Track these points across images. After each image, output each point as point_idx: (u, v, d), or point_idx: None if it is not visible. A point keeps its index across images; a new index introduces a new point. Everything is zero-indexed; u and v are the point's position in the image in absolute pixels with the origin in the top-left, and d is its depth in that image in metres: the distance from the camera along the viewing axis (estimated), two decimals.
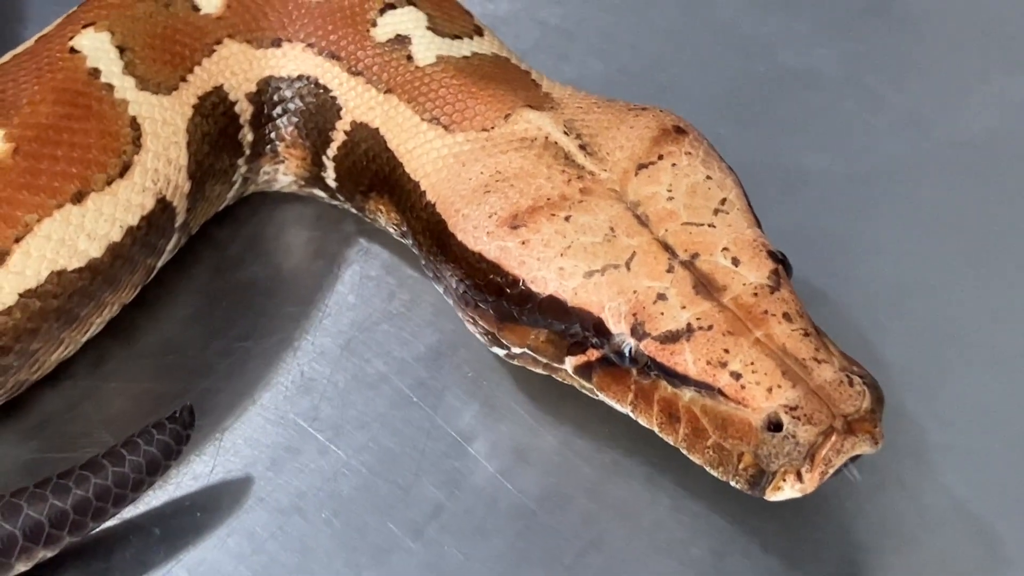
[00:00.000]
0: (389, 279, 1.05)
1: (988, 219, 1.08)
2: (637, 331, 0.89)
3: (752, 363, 0.87)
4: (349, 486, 0.95)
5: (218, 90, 1.00)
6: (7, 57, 0.99)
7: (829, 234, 1.07)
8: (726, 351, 0.88)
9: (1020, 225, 1.08)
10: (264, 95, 1.02)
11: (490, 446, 0.97)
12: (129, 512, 0.93)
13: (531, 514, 0.94)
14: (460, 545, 0.93)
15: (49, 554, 0.89)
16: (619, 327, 0.89)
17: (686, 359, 0.88)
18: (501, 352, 0.96)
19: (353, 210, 1.04)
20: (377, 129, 1.00)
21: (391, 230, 1.03)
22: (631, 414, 0.91)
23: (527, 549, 0.93)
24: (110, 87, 0.96)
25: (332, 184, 1.03)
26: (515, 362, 0.96)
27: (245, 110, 1.01)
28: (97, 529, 0.90)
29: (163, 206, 0.97)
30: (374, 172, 1.01)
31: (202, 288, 1.05)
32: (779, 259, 0.92)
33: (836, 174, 1.11)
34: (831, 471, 0.85)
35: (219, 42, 1.01)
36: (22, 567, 0.88)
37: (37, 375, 0.96)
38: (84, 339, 0.98)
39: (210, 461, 0.96)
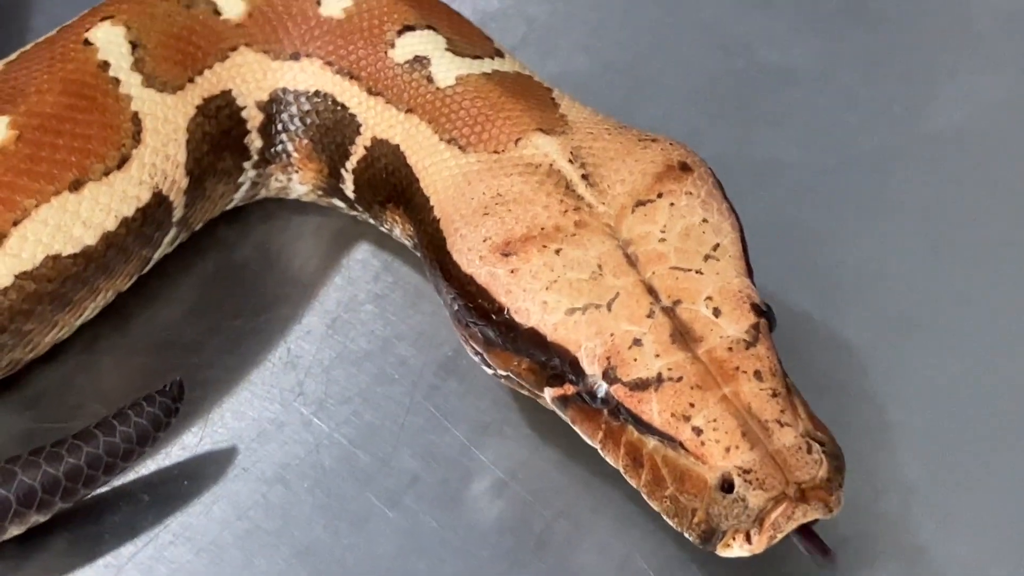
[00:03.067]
0: (374, 261, 1.08)
1: (950, 210, 1.11)
2: (609, 375, 0.90)
3: (715, 420, 0.87)
4: (331, 457, 0.98)
5: (226, 94, 1.02)
6: (30, 45, 1.02)
7: (799, 223, 1.10)
8: (691, 405, 0.88)
9: (980, 216, 1.11)
10: (276, 105, 1.04)
11: (466, 421, 1.00)
12: (119, 480, 0.96)
13: (503, 484, 0.97)
14: (435, 513, 0.96)
15: (41, 518, 0.92)
16: (592, 368, 0.90)
17: (652, 408, 0.89)
18: (489, 371, 0.98)
19: (371, 220, 1.06)
20: (397, 146, 1.02)
21: (406, 241, 1.04)
22: (600, 451, 0.92)
23: (499, 517, 0.96)
24: (116, 81, 0.99)
25: (351, 195, 1.05)
26: (502, 382, 0.97)
27: (254, 117, 1.03)
28: (88, 496, 0.94)
29: (159, 200, 1.00)
30: (392, 185, 1.03)
31: (201, 280, 1.07)
32: (762, 312, 0.92)
33: (808, 166, 1.13)
34: (780, 535, 0.86)
35: (235, 48, 1.03)
36: (15, 530, 0.92)
37: (32, 355, 0.99)
38: (78, 322, 1.01)
39: (198, 433, 0.99)
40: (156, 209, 1.00)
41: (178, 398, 0.95)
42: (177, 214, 1.01)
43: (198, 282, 1.07)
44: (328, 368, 1.02)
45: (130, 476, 0.96)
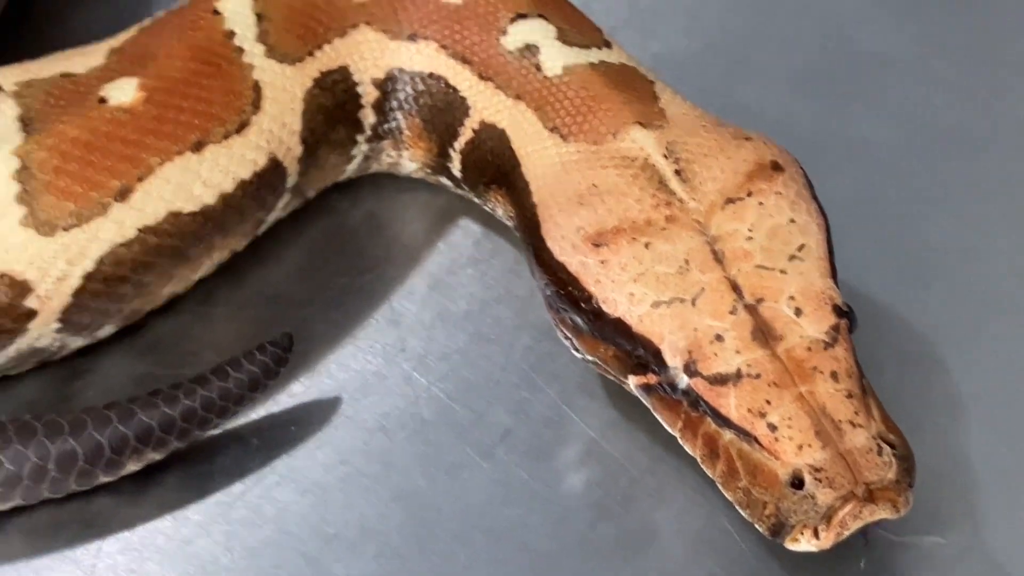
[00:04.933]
0: (476, 230, 1.12)
1: None
2: (690, 368, 0.92)
3: (790, 418, 0.90)
4: (429, 410, 1.04)
5: (343, 69, 1.06)
6: (164, 12, 1.08)
7: (887, 201, 1.13)
8: (768, 402, 0.90)
9: None
10: (391, 84, 1.08)
11: (559, 381, 1.05)
12: (230, 423, 1.02)
13: (592, 442, 1.02)
14: (525, 466, 1.01)
15: (157, 456, 0.98)
16: (674, 361, 0.92)
17: (730, 403, 0.91)
18: (577, 355, 1.00)
19: (475, 198, 1.09)
20: (504, 131, 1.04)
21: (507, 221, 1.07)
22: (679, 439, 0.95)
23: (587, 473, 1.01)
24: (240, 50, 1.04)
25: (457, 174, 1.08)
26: (591, 365, 1.00)
27: (369, 93, 1.07)
28: (202, 437, 1.00)
29: (274, 165, 1.04)
30: (496, 168, 1.05)
31: (311, 243, 1.12)
32: (843, 313, 0.93)
33: (898, 147, 1.16)
34: (846, 533, 0.88)
35: (355, 26, 1.07)
36: (133, 466, 0.98)
37: (150, 306, 1.05)
38: (195, 277, 1.06)
39: (305, 382, 1.04)
40: (271, 174, 1.04)
41: (287, 349, 1.01)
42: (291, 180, 1.06)
43: (308, 244, 1.12)
44: (429, 327, 1.07)
45: (240, 420, 1.02)
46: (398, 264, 1.11)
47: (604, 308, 0.94)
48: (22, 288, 0.97)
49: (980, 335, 1.06)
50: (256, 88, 1.03)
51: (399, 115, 1.09)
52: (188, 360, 1.06)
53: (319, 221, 1.12)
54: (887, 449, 0.88)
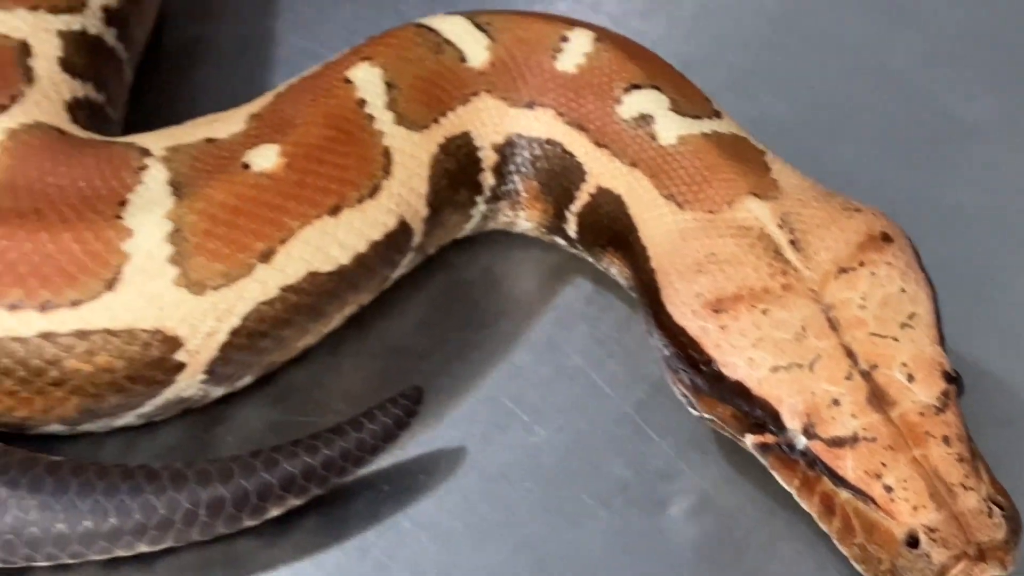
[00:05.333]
0: (588, 287, 1.16)
1: None
2: (808, 431, 0.95)
3: (905, 480, 0.93)
4: (548, 460, 1.08)
5: (465, 135, 1.11)
6: (296, 78, 1.13)
7: (981, 267, 1.16)
8: (883, 464, 0.93)
9: None
10: (510, 148, 1.12)
11: (672, 435, 1.09)
12: (363, 471, 1.06)
13: (705, 495, 1.06)
14: (641, 517, 1.06)
15: (298, 502, 1.04)
16: (793, 423, 0.96)
17: (847, 465, 0.94)
18: (694, 413, 1.04)
19: (589, 258, 1.13)
20: (620, 196, 1.08)
21: (621, 281, 1.11)
22: (795, 496, 0.99)
23: (700, 525, 1.05)
24: (371, 118, 1.08)
25: (573, 235, 1.12)
26: (706, 422, 1.04)
27: (489, 157, 1.12)
28: (338, 484, 1.04)
29: (403, 227, 1.09)
30: (613, 231, 1.09)
31: (431, 296, 1.16)
32: (952, 379, 0.96)
33: (989, 213, 1.19)
34: None
35: (476, 94, 1.11)
36: (275, 511, 1.03)
37: (286, 357, 1.10)
38: (326, 330, 1.11)
39: (431, 432, 1.09)
40: (400, 235, 1.09)
41: (417, 401, 1.06)
42: (416, 240, 1.11)
43: (428, 298, 1.16)
44: (546, 380, 1.12)
45: (372, 468, 1.06)
46: (514, 319, 1.15)
47: (724, 371, 0.98)
48: (173, 343, 1.03)
49: None
50: (386, 154, 1.08)
51: (517, 178, 1.13)
52: (319, 408, 1.11)
53: (438, 275, 1.17)
54: (996, 510, 0.92)
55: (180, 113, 1.22)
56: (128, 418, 1.07)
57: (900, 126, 1.25)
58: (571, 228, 1.12)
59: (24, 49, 1.11)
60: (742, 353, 0.97)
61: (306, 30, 1.31)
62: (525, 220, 1.15)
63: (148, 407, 1.06)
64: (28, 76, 1.10)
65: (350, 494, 1.07)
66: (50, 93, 1.11)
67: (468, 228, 1.16)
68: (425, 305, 1.16)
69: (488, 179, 1.13)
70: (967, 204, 1.20)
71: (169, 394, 1.06)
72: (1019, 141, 1.24)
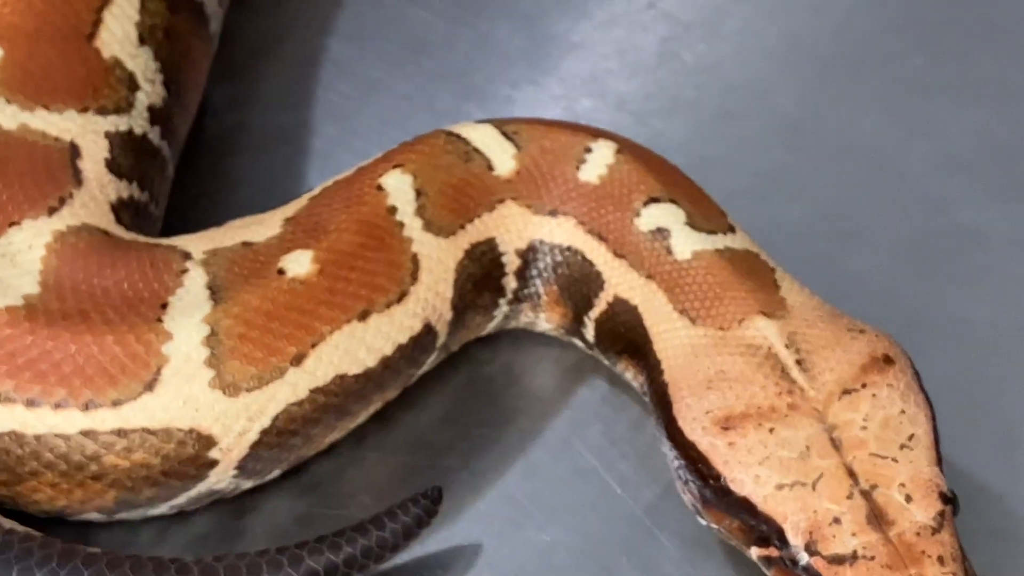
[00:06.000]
0: (603, 387, 1.19)
1: None
2: (810, 547, 0.98)
3: None
4: (560, 561, 1.11)
5: (490, 241, 1.14)
6: (331, 181, 1.16)
7: (984, 379, 1.18)
8: None
9: None
10: (532, 254, 1.15)
11: (680, 536, 1.11)
12: (383, 566, 1.08)
13: None
14: None
15: None
16: (796, 539, 0.98)
17: None
18: (702, 522, 1.06)
19: (605, 362, 1.16)
20: (636, 307, 1.11)
21: (635, 385, 1.13)
22: None
23: None
24: (401, 225, 1.11)
25: (590, 339, 1.15)
26: (714, 531, 1.06)
27: (512, 262, 1.15)
28: None
29: (428, 330, 1.12)
30: (628, 340, 1.12)
31: (454, 391, 1.19)
32: (948, 499, 0.99)
33: (995, 326, 1.21)
34: None
35: (502, 201, 1.14)
36: None
37: (312, 452, 1.13)
38: (352, 426, 1.14)
39: (450, 528, 1.12)
40: (425, 337, 1.13)
41: (437, 501, 1.09)
42: (440, 340, 1.14)
43: (451, 392, 1.19)
44: (561, 479, 1.14)
45: (390, 564, 1.09)
46: (531, 416, 1.18)
47: (732, 487, 1.01)
48: (207, 441, 1.07)
49: None
50: (415, 260, 1.12)
51: (538, 282, 1.16)
52: (344, 500, 1.14)
53: (461, 369, 1.20)
54: None
55: (219, 203, 1.28)
56: (162, 508, 1.11)
57: (913, 235, 1.26)
58: (589, 333, 1.16)
59: (74, 151, 1.15)
60: (749, 470, 1.00)
61: (340, 121, 1.34)
62: (545, 322, 1.18)
63: (181, 499, 1.10)
64: (77, 178, 1.14)
65: None
66: (97, 195, 1.14)
67: (490, 328, 1.19)
68: (447, 399, 1.19)
69: (511, 283, 1.16)
70: (975, 315, 1.22)
71: (202, 488, 1.10)
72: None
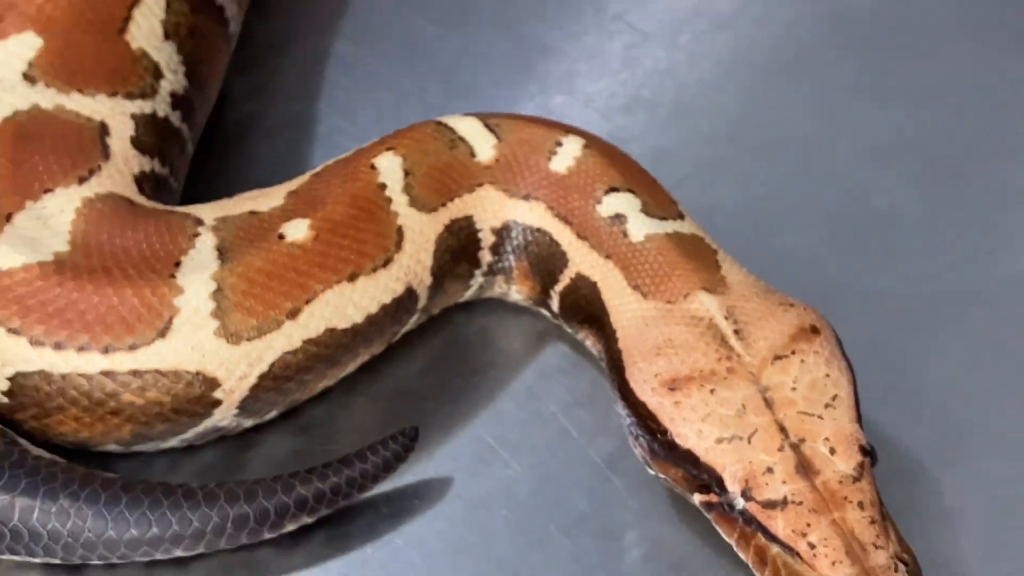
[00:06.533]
0: (565, 348, 1.14)
1: (1018, 345, 1.15)
2: (746, 494, 0.95)
3: (825, 539, 0.92)
4: (522, 492, 1.07)
5: (468, 218, 1.10)
6: (332, 161, 1.12)
7: (894, 343, 1.14)
8: (808, 525, 0.93)
9: None
10: (506, 232, 1.11)
11: (627, 477, 1.07)
12: (365, 495, 1.05)
13: (652, 528, 1.05)
14: (598, 545, 1.04)
15: (309, 520, 1.04)
16: (733, 487, 0.95)
17: (778, 524, 0.94)
18: (651, 472, 1.03)
19: (568, 330, 1.12)
20: (595, 283, 1.07)
21: (594, 352, 1.10)
22: (734, 547, 0.98)
23: (647, 550, 1.04)
24: (389, 200, 1.08)
25: (555, 309, 1.11)
26: (661, 480, 1.03)
27: (487, 238, 1.11)
28: (344, 505, 1.04)
29: (409, 293, 1.08)
30: (588, 312, 1.08)
31: (433, 348, 1.15)
32: (867, 452, 0.96)
33: (907, 297, 1.17)
34: None
35: (481, 185, 1.10)
36: (291, 527, 1.04)
37: (306, 396, 1.10)
38: (342, 375, 1.10)
39: (425, 463, 1.08)
40: (406, 299, 1.09)
41: (414, 439, 1.06)
42: (421, 303, 1.10)
43: (432, 350, 1.15)
44: (525, 423, 1.10)
45: (373, 492, 1.05)
46: (501, 371, 1.14)
47: (677, 441, 0.98)
48: (212, 383, 1.03)
49: (969, 455, 1.07)
50: (399, 232, 1.08)
51: (511, 257, 1.12)
52: (335, 438, 1.10)
53: (441, 331, 1.16)
54: (902, 567, 0.92)
55: (232, 181, 1.23)
56: (173, 442, 1.07)
57: (837, 218, 1.23)
58: (554, 304, 1.12)
59: (103, 129, 1.11)
60: (692, 426, 0.97)
61: (343, 112, 1.30)
62: (516, 293, 1.14)
63: (189, 434, 1.06)
64: (105, 153, 1.10)
65: (354, 514, 1.06)
66: (122, 168, 1.10)
67: (467, 295, 1.15)
68: (428, 355, 1.15)
69: (486, 256, 1.12)
70: (891, 289, 1.18)
71: (207, 424, 1.06)
72: (936, 234, 1.22)
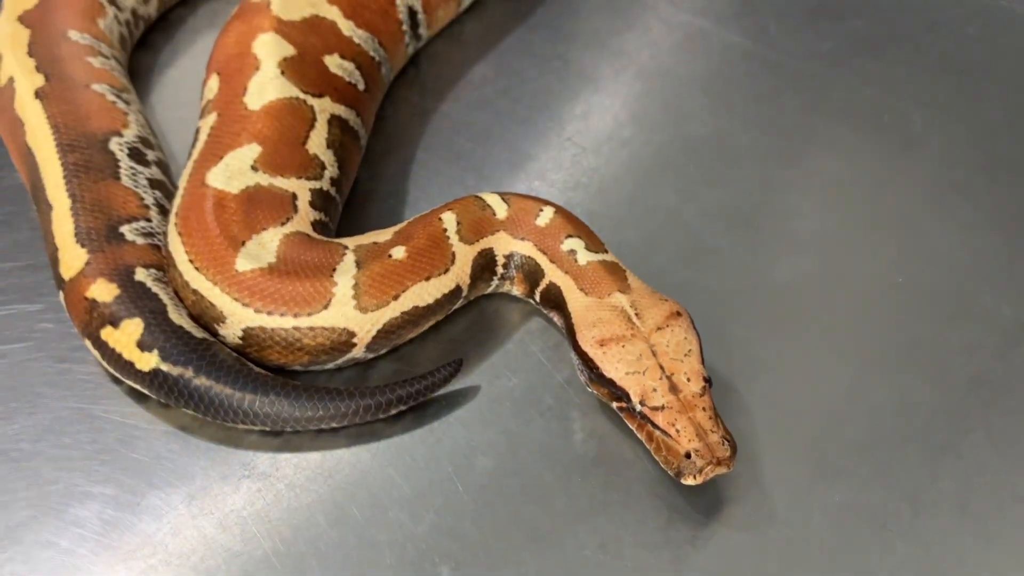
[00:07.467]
0: (541, 323, 1.17)
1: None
2: (642, 403, 1.03)
3: (685, 426, 1.01)
4: (516, 393, 1.11)
5: (490, 250, 1.18)
6: (418, 215, 1.19)
7: (731, 322, 1.16)
8: (675, 419, 1.01)
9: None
10: (511, 258, 1.19)
11: (574, 386, 1.12)
12: (427, 398, 1.11)
13: (591, 417, 1.09)
14: (557, 427, 1.09)
15: (404, 407, 1.08)
16: (635, 399, 1.04)
17: (659, 419, 1.02)
18: (590, 391, 1.10)
19: (544, 311, 1.18)
20: (560, 287, 1.15)
21: (557, 323, 1.16)
22: (636, 434, 1.04)
23: (592, 444, 1.08)
24: (448, 238, 1.17)
25: (538, 301, 1.18)
26: (594, 395, 1.09)
27: (500, 260, 1.19)
28: (419, 401, 1.10)
29: (457, 288, 1.17)
30: (556, 303, 1.16)
31: (469, 318, 1.21)
32: (707, 380, 1.04)
33: (733, 292, 1.17)
34: (707, 478, 1.00)
35: (497, 231, 1.18)
36: (393, 412, 1.09)
37: (402, 342, 1.13)
38: (421, 331, 1.16)
39: (461, 379, 1.12)
40: (456, 292, 1.16)
41: (459, 366, 1.12)
42: (464, 294, 1.17)
43: (468, 319, 1.20)
44: (518, 358, 1.15)
45: (436, 394, 1.11)
46: (506, 330, 1.19)
47: (604, 373, 1.07)
48: (351, 335, 1.19)
49: (779, 354, 1.11)
50: (453, 256, 1.23)
51: (513, 271, 1.26)
52: (415, 364, 1.15)
53: (474, 310, 1.20)
54: (727, 442, 1.01)
55: (362, 227, 1.32)
56: (329, 366, 1.14)
57: (672, 215, 1.24)
58: (537, 297, 1.17)
59: (294, 196, 1.29)
60: (613, 366, 1.06)
61: (423, 189, 1.32)
62: (515, 291, 1.29)
63: (340, 361, 1.14)
64: (295, 208, 1.28)
65: (425, 406, 1.11)
66: (304, 218, 1.26)
67: (488, 291, 1.28)
68: (467, 321, 1.20)
69: (499, 271, 1.25)
70: (724, 288, 1.19)
71: (348, 356, 1.14)
72: (727, 151, 1.22)
